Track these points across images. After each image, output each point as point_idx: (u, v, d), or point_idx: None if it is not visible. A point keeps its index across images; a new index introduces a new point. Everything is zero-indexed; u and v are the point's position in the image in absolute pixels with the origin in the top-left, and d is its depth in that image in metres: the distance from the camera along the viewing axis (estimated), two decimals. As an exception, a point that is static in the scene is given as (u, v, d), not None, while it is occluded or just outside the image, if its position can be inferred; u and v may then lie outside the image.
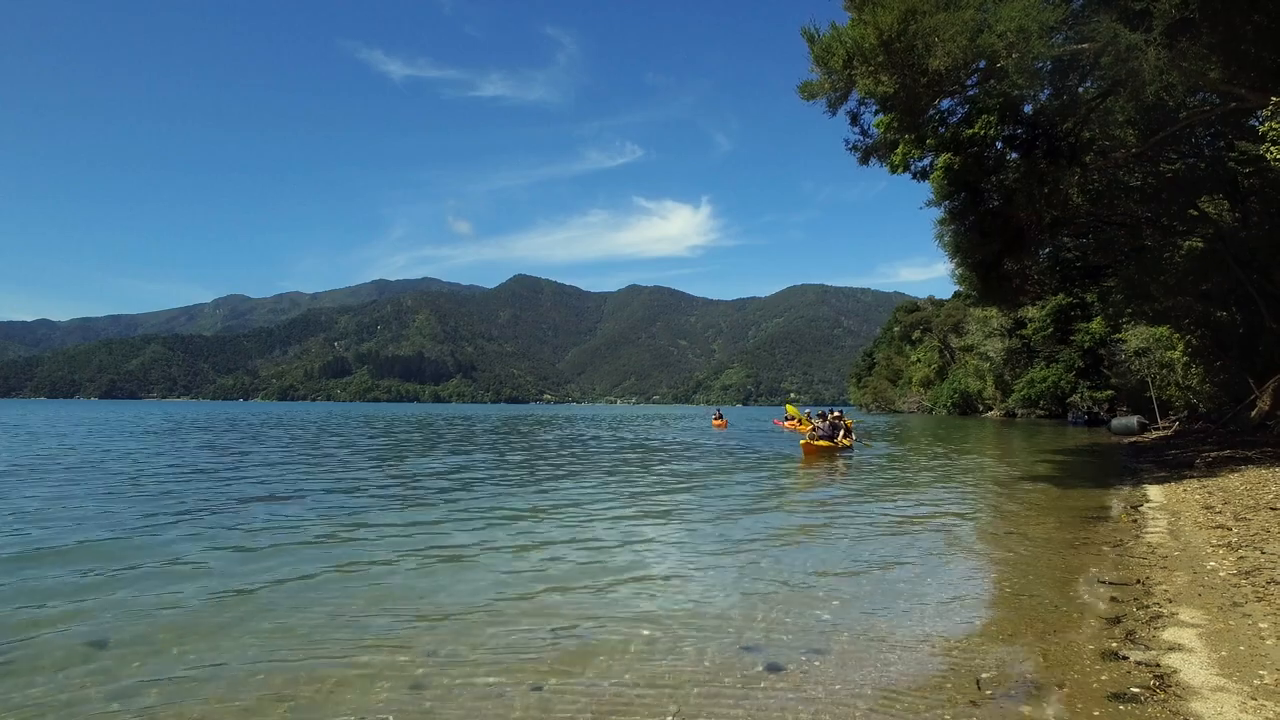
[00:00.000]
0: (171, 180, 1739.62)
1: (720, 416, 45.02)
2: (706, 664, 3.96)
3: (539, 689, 3.59)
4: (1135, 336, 31.96)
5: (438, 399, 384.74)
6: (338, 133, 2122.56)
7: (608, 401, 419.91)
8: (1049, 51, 10.58)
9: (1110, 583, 5.53)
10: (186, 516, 8.60)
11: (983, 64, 10.96)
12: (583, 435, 30.26)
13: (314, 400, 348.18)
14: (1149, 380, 31.77)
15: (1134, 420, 27.74)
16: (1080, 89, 13.85)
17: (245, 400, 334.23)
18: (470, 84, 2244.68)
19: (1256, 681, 3.42)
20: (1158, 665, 3.73)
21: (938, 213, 17.51)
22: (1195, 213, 18.70)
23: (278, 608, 4.94)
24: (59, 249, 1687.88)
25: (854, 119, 14.49)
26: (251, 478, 12.82)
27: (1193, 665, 3.67)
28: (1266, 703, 3.19)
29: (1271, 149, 8.45)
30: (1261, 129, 8.94)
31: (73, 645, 4.16)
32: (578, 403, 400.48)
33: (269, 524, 8.15)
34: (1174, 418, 30.13)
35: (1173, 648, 3.96)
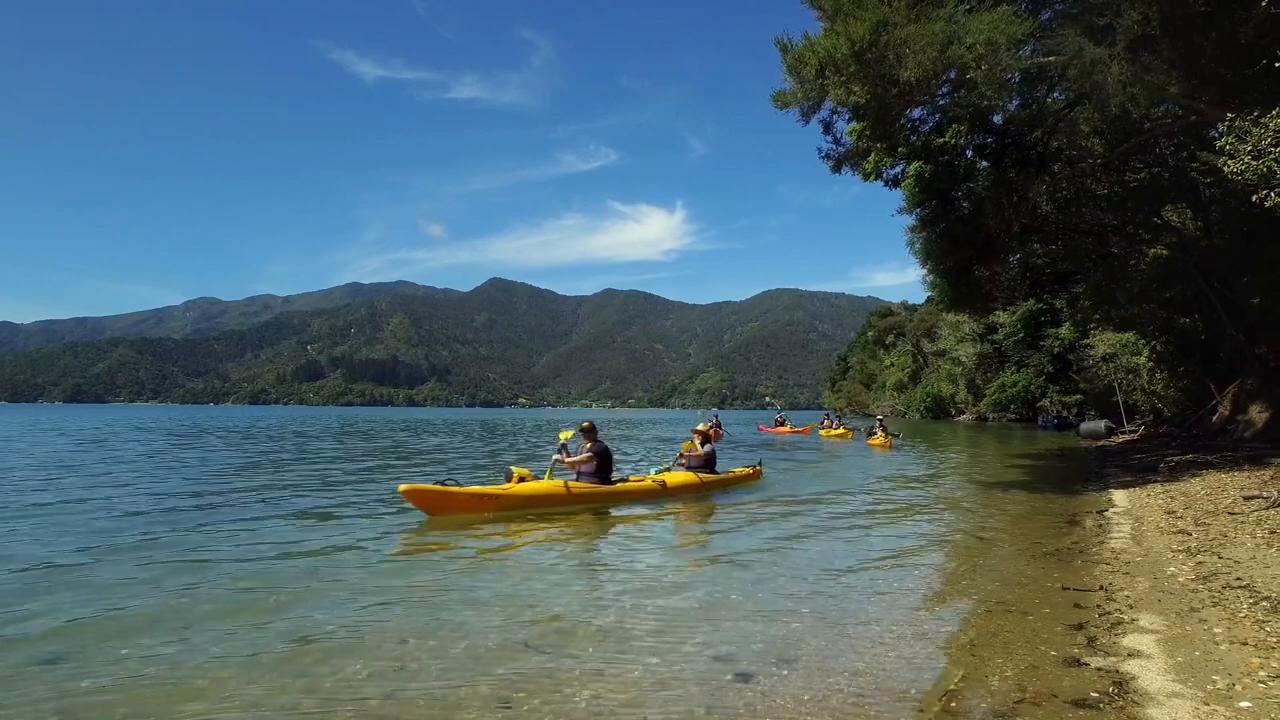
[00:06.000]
0: (140, 181, 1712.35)
1: (717, 423, 30.31)
2: (677, 674, 3.97)
3: (507, 706, 3.58)
4: (1103, 342, 32.52)
5: (412, 403, 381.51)
6: (310, 134, 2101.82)
7: (583, 405, 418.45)
8: (1017, 64, 10.76)
9: (1074, 589, 5.63)
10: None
11: (953, 75, 11.12)
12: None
13: (286, 404, 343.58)
14: (1116, 385, 32.35)
15: (1101, 424, 28.26)
16: (1048, 100, 14.12)
17: (216, 404, 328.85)
18: (444, 86, 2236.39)
19: (1210, 687, 3.50)
20: (1117, 672, 3.81)
21: (910, 219, 17.74)
22: (1159, 221, 19.10)
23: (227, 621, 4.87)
24: (21, 250, 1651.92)
25: (827, 128, 14.66)
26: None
27: (1150, 672, 3.76)
28: (1219, 708, 3.27)
29: (1228, 162, 8.67)
30: (1219, 143, 9.17)
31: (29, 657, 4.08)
32: (553, 406, 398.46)
33: (230, 529, 8.03)
34: (1140, 422, 30.70)
35: (1132, 654, 4.04)
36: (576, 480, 10.09)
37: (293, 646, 4.34)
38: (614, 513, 9.82)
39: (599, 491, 10.12)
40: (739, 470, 13.33)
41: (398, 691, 3.70)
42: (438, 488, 8.96)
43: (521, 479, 9.69)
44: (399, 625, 4.79)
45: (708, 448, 12.26)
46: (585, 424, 10.61)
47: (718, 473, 12.31)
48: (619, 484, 10.58)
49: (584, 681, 3.85)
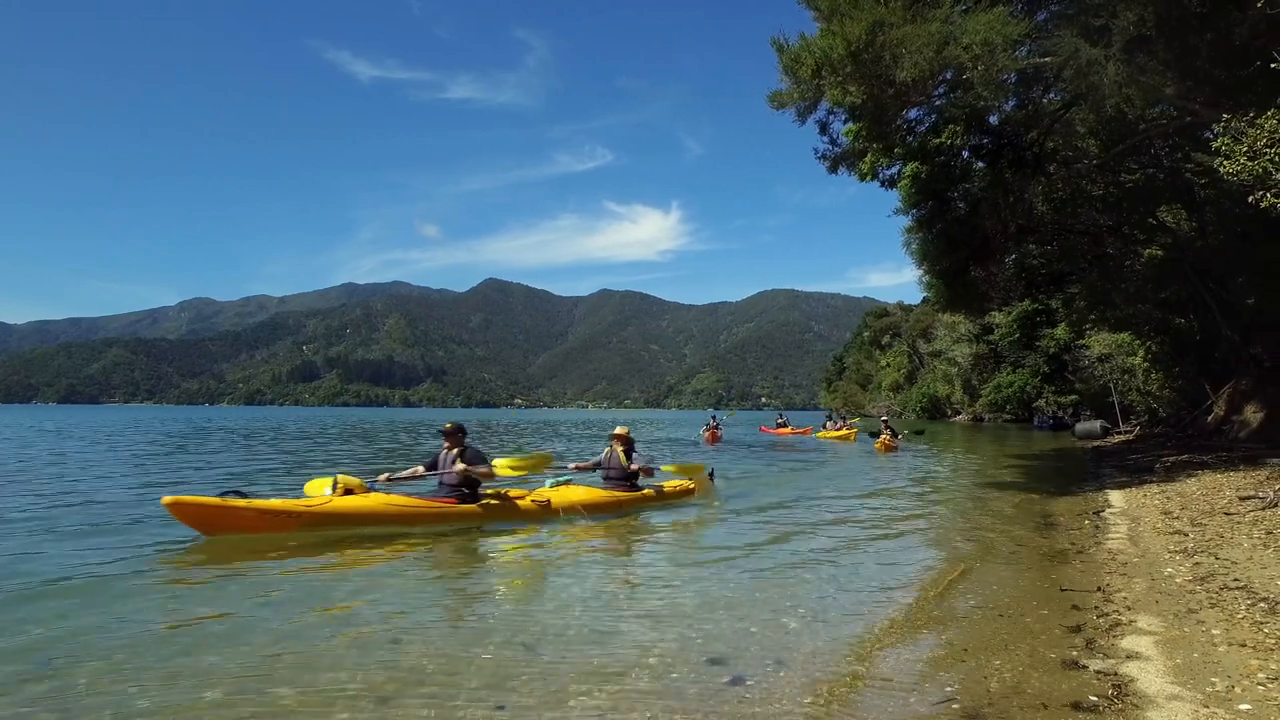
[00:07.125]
0: (135, 182, 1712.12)
1: (716, 424, 31.85)
2: (673, 676, 3.93)
3: (502, 708, 3.55)
4: (1098, 343, 32.62)
5: (408, 404, 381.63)
6: (306, 134, 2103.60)
7: (579, 406, 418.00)
8: (1014, 64, 10.75)
9: (1071, 590, 5.61)
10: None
11: (949, 75, 11.11)
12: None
13: (282, 405, 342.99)
14: (1111, 385, 32.44)
15: (1097, 425, 28.34)
16: (1044, 100, 14.13)
17: (211, 405, 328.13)
18: (439, 86, 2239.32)
19: (1209, 689, 3.49)
20: (1116, 674, 3.79)
21: (906, 220, 17.73)
22: (1154, 222, 19.13)
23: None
24: (16, 250, 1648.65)
25: (823, 128, 14.64)
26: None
27: (1149, 673, 3.74)
28: (1218, 710, 3.25)
29: (1224, 163, 8.67)
30: (1214, 144, 9.17)
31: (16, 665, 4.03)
32: (549, 407, 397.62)
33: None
34: (1135, 422, 30.80)
35: (1130, 656, 4.02)
36: (433, 495, 8.28)
37: (283, 653, 4.32)
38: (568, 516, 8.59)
39: (452, 511, 8.10)
40: (672, 482, 10.90)
41: (396, 696, 3.67)
42: (214, 501, 7.09)
43: (349, 491, 7.72)
44: (389, 628, 4.77)
45: (634, 457, 10.14)
46: (448, 425, 8.61)
47: (638, 488, 10.06)
48: (486, 499, 8.42)
49: (578, 683, 3.81)
